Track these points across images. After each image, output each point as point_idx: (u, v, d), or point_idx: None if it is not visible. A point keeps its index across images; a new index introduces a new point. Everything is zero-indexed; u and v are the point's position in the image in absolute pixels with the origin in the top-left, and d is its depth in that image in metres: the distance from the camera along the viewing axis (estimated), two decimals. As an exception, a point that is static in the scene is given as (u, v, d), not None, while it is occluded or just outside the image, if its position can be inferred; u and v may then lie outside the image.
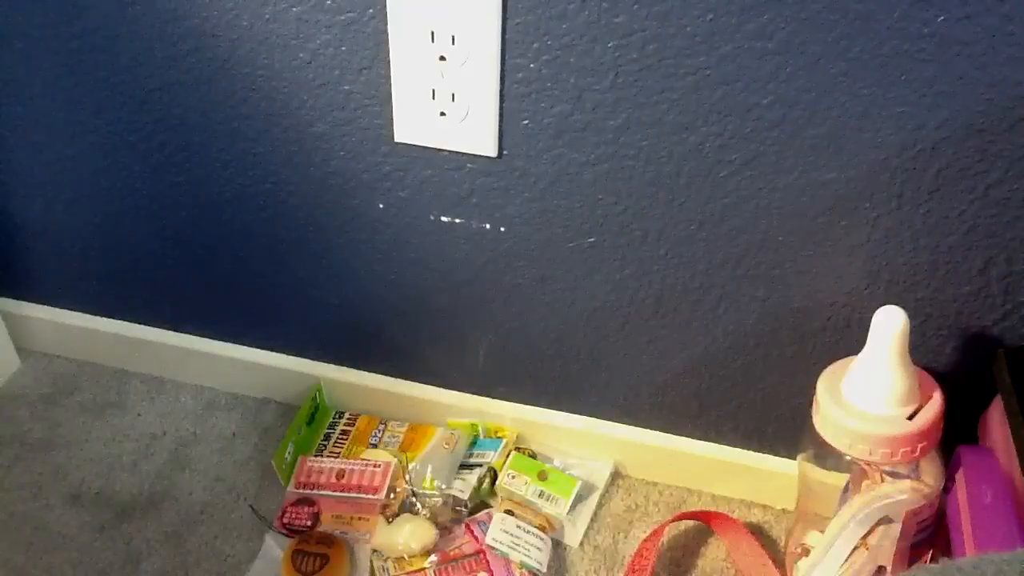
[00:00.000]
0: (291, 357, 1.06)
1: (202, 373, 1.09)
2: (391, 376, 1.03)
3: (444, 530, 0.93)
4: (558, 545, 0.94)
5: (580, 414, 0.99)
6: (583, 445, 1.00)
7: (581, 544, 0.94)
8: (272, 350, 1.06)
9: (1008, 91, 0.69)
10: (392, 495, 0.95)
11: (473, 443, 1.00)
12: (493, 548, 0.91)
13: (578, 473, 0.99)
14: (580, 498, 0.97)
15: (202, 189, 0.94)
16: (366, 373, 1.04)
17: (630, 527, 0.96)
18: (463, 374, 1.00)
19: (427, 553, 0.91)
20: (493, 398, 1.01)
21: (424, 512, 0.93)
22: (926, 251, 0.78)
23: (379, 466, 0.97)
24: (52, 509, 0.97)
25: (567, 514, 0.96)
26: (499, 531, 0.93)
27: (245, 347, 1.07)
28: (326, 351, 1.04)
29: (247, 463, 1.02)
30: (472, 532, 0.93)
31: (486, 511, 0.96)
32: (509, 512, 0.95)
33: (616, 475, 1.00)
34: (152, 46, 0.85)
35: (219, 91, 0.86)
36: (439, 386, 1.02)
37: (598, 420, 0.99)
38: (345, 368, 1.04)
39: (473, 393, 1.02)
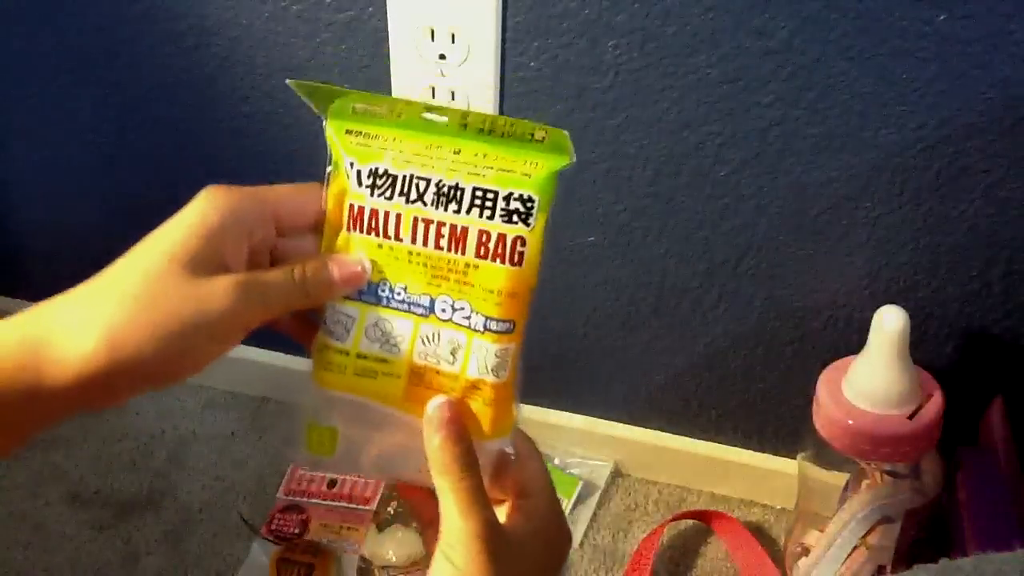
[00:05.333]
0: (290, 356, 1.05)
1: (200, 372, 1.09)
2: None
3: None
4: (557, 544, 0.94)
5: (580, 413, 0.99)
6: (583, 444, 1.00)
7: (581, 543, 0.94)
8: (271, 349, 1.06)
9: (1009, 90, 0.68)
10: (389, 509, 0.94)
11: None
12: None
13: (578, 472, 0.99)
14: (580, 497, 0.97)
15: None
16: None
17: (630, 526, 0.96)
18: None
19: (413, 563, 0.90)
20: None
21: (416, 525, 0.91)
22: (927, 251, 0.78)
23: None
24: (51, 508, 0.97)
25: (568, 514, 0.95)
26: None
27: (244, 346, 1.06)
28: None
29: (246, 462, 1.01)
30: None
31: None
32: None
33: (616, 474, 1.00)
34: (151, 45, 0.85)
35: (219, 90, 0.86)
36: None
37: (598, 419, 0.99)
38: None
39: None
